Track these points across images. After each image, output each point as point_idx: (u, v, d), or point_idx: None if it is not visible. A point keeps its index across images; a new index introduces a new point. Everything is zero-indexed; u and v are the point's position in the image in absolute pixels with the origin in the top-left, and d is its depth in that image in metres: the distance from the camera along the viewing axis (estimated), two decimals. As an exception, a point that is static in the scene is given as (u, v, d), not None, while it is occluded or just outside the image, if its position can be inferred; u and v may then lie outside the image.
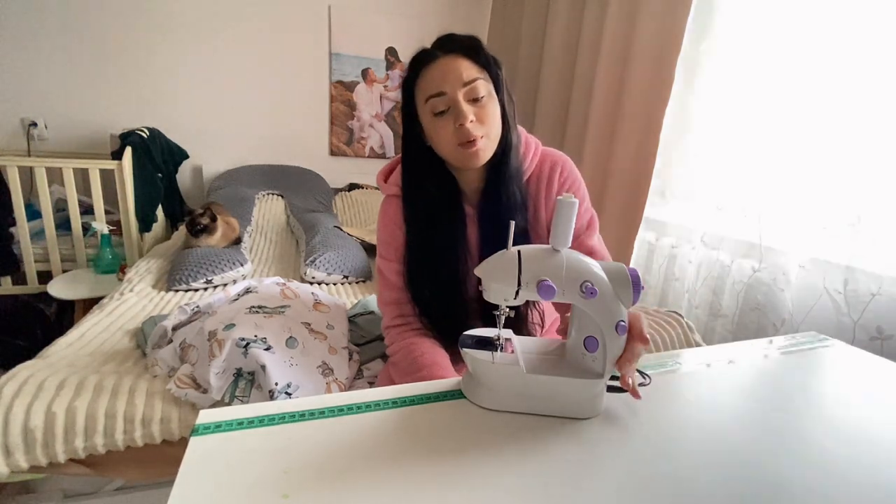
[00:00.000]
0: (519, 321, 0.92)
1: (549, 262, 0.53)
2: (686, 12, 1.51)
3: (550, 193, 0.89)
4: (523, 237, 0.87)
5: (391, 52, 2.84)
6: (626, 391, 0.56)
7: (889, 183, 1.10)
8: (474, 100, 0.78)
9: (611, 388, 0.58)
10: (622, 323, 0.53)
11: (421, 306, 0.90)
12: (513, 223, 0.56)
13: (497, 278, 0.54)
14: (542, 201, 0.90)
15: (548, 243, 0.54)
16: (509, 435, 0.51)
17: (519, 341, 0.62)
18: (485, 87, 0.79)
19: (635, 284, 0.53)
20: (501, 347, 0.59)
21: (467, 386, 0.59)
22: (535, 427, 0.53)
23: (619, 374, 0.56)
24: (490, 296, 0.56)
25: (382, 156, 3.00)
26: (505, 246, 0.54)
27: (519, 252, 0.54)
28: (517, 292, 0.53)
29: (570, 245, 0.54)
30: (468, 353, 0.57)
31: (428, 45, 0.82)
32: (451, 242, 0.87)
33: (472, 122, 0.77)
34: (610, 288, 0.53)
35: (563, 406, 0.55)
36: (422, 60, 0.80)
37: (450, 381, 0.62)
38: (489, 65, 0.80)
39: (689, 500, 0.43)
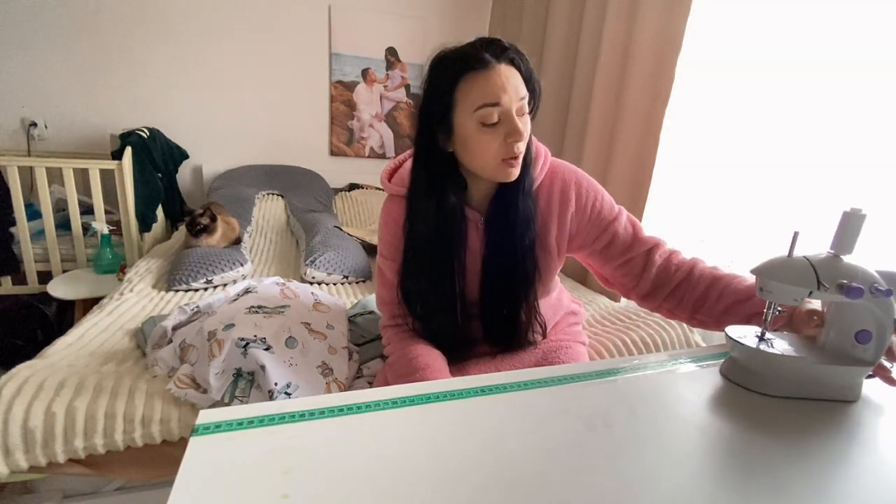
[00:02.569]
0: (521, 331, 0.91)
1: (841, 266, 0.59)
2: (686, 12, 1.51)
3: (566, 211, 0.88)
4: (531, 250, 0.86)
5: (391, 52, 2.84)
6: (872, 377, 0.63)
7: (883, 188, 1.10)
8: (521, 115, 0.76)
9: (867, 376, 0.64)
10: None
11: (414, 310, 0.89)
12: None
13: (788, 280, 0.59)
14: (553, 217, 0.88)
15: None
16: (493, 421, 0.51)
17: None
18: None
19: None
20: (771, 343, 0.64)
21: (736, 373, 0.65)
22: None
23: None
24: (775, 296, 0.61)
25: (382, 156, 3.00)
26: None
27: (806, 258, 0.60)
28: (811, 293, 0.58)
29: (851, 252, 0.59)
30: (748, 345, 0.63)
31: (449, 46, 0.76)
32: (454, 245, 0.85)
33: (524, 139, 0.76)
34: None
35: (831, 390, 0.62)
36: (469, 63, 0.73)
37: (450, 381, 0.62)
38: (531, 78, 0.77)
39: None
